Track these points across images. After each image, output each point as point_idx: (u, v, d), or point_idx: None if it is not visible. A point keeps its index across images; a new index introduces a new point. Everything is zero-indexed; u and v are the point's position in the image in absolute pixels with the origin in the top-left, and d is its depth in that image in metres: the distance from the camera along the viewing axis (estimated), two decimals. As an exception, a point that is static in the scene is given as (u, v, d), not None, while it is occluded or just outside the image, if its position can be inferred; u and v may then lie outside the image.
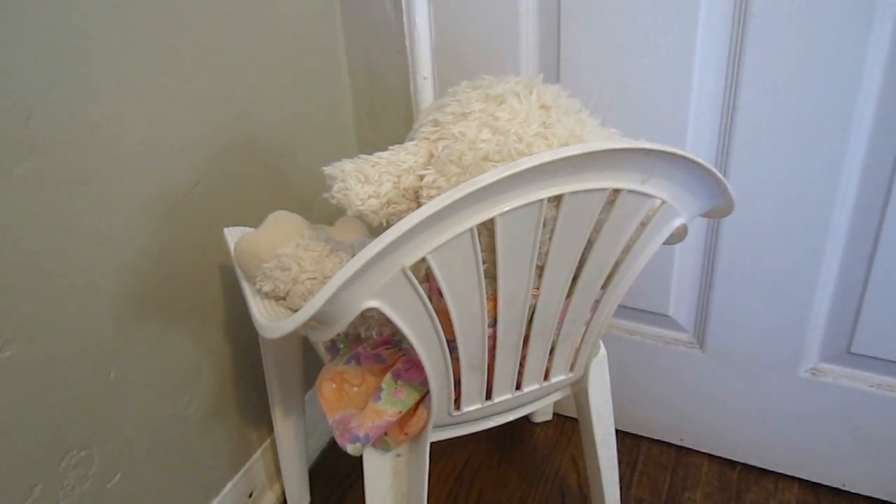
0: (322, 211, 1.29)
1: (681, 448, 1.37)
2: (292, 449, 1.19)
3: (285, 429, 1.17)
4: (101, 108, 0.84)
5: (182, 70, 0.95)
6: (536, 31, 1.14)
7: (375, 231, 0.75)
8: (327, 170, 0.73)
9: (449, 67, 1.23)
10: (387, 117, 1.31)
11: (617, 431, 1.07)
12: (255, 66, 1.09)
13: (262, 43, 1.09)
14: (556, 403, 1.43)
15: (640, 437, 1.40)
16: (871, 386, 1.15)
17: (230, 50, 1.03)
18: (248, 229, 0.99)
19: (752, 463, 1.32)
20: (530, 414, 1.40)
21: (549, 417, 1.46)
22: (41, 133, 0.77)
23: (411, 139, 0.78)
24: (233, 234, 0.99)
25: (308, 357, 1.11)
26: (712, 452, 1.35)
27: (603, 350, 1.00)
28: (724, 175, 1.08)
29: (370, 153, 0.75)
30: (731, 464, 1.33)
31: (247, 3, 1.05)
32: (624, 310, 1.29)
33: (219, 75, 1.02)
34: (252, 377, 1.19)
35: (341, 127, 1.33)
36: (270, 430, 1.24)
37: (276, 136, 1.16)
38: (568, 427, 1.43)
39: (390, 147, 0.75)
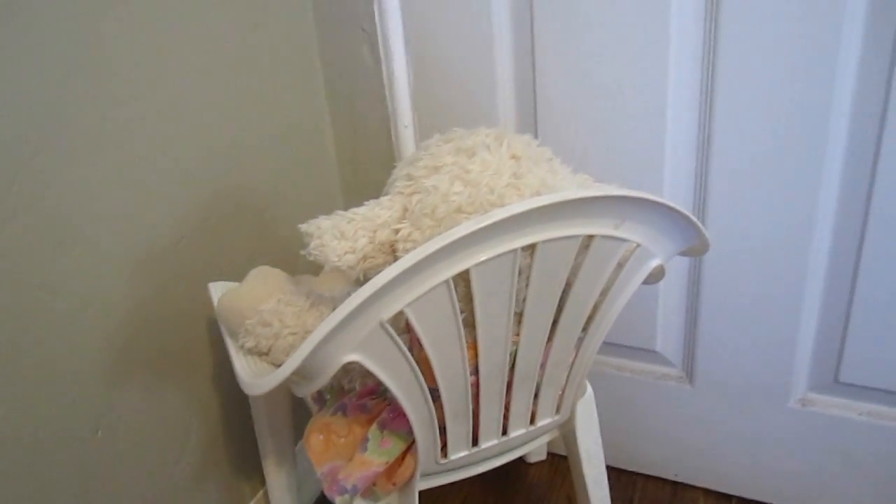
0: (308, 262, 1.29)
1: (676, 483, 1.37)
2: (285, 500, 1.18)
3: (277, 481, 1.16)
4: (83, 170, 0.85)
5: (164, 128, 0.97)
6: (512, 77, 1.17)
7: (359, 282, 0.76)
8: (304, 227, 0.74)
9: (429, 114, 1.25)
10: (370, 165, 1.33)
11: (611, 468, 1.07)
12: (237, 120, 1.11)
13: (244, 97, 1.11)
14: (550, 443, 1.43)
15: (635, 473, 1.40)
16: (861, 414, 1.16)
17: (211, 105, 1.05)
18: (233, 284, 0.99)
19: (747, 496, 1.31)
20: (525, 454, 1.39)
21: (544, 457, 1.46)
22: (25, 197, 0.79)
23: (386, 193, 0.79)
24: (217, 290, 1.00)
25: (298, 408, 1.11)
26: (707, 486, 1.35)
27: (590, 390, 1.01)
28: (703, 211, 1.10)
29: (354, 202, 0.77)
30: (727, 497, 1.33)
31: (228, 59, 1.07)
32: (612, 347, 1.30)
33: (202, 131, 1.04)
34: (242, 430, 1.19)
35: (325, 176, 1.35)
36: (262, 482, 1.23)
37: (259, 189, 1.18)
38: (563, 466, 1.43)
39: (366, 202, 0.77)
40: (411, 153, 0.82)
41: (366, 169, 1.34)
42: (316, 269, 1.24)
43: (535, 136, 1.15)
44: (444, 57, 1.19)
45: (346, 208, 0.77)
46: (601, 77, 1.08)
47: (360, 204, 0.77)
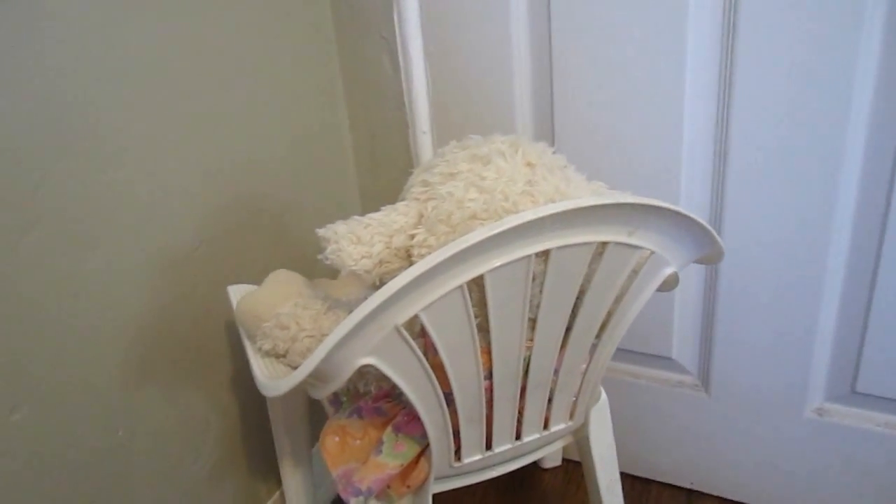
0: (326, 266, 1.31)
1: (691, 491, 1.37)
2: (301, 502, 1.20)
3: (293, 482, 1.17)
4: (107, 176, 0.87)
5: (185, 134, 0.99)
6: (530, 85, 1.18)
7: (375, 286, 0.77)
8: (321, 232, 0.76)
9: (447, 122, 1.26)
10: (388, 171, 1.34)
11: (626, 475, 1.08)
12: (257, 126, 1.13)
13: (263, 103, 1.13)
14: (564, 448, 1.43)
15: (650, 480, 1.40)
16: (878, 425, 1.15)
17: (233, 112, 1.07)
18: (251, 287, 1.01)
19: (763, 505, 1.31)
20: (539, 460, 1.40)
21: (559, 463, 1.46)
22: (49, 201, 0.81)
23: (403, 199, 0.80)
24: (236, 293, 1.01)
25: (314, 410, 1.12)
26: (722, 495, 1.34)
27: (604, 396, 1.01)
28: (720, 219, 1.10)
29: (373, 208, 0.78)
30: (743, 506, 1.32)
31: (248, 66, 1.09)
32: (627, 354, 1.30)
33: (221, 137, 1.05)
34: (259, 431, 1.20)
35: (343, 182, 1.36)
36: (279, 483, 1.24)
37: (279, 193, 1.19)
38: (577, 472, 1.43)
39: (382, 208, 0.78)
40: (428, 160, 0.83)
41: (384, 175, 1.35)
42: (334, 273, 1.25)
43: (553, 143, 1.16)
44: (463, 64, 1.20)
45: (363, 214, 0.78)
46: (619, 85, 1.09)
47: (376, 209, 0.78)
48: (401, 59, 1.23)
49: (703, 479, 1.35)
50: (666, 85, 1.05)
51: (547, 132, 1.18)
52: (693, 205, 1.12)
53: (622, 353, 1.30)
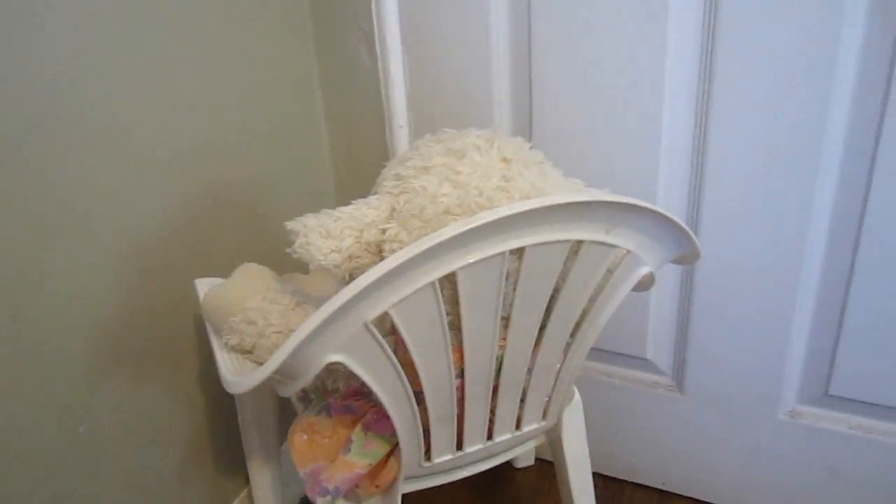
0: (298, 259, 1.29)
1: (664, 492, 1.36)
2: (269, 500, 1.17)
3: (262, 480, 1.15)
4: (74, 161, 0.84)
5: (157, 121, 0.96)
6: (509, 79, 1.16)
7: (346, 282, 0.75)
8: (290, 225, 0.74)
9: (424, 115, 1.25)
10: (364, 164, 1.32)
11: (599, 475, 1.07)
12: (232, 115, 1.10)
13: (239, 92, 1.11)
14: (537, 448, 1.42)
15: (623, 481, 1.39)
16: (850, 428, 1.15)
17: (206, 100, 1.04)
18: (219, 280, 0.99)
19: (735, 507, 1.31)
20: (512, 459, 1.38)
21: (531, 462, 1.45)
22: (9, 189, 0.78)
23: (375, 193, 0.78)
24: (203, 286, 0.99)
25: (284, 407, 1.10)
26: (696, 496, 1.34)
27: (577, 396, 1.00)
28: (697, 221, 1.09)
29: (348, 201, 0.76)
30: (715, 508, 1.32)
31: (223, 54, 1.06)
32: (602, 353, 1.29)
33: (194, 125, 1.03)
34: (227, 428, 1.18)
35: (319, 174, 1.34)
36: (246, 481, 1.22)
37: (252, 185, 1.17)
38: (550, 472, 1.42)
39: (353, 201, 0.76)
40: (401, 153, 0.81)
41: (360, 167, 1.33)
42: (306, 267, 1.23)
43: (530, 139, 1.15)
44: (441, 57, 1.18)
45: (338, 207, 0.76)
46: (597, 82, 1.08)
47: (348, 203, 0.76)
48: (378, 51, 1.21)
49: (676, 480, 1.35)
50: (646, 82, 1.05)
51: (525, 128, 1.17)
52: (670, 206, 1.11)
53: (596, 353, 1.29)
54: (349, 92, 1.27)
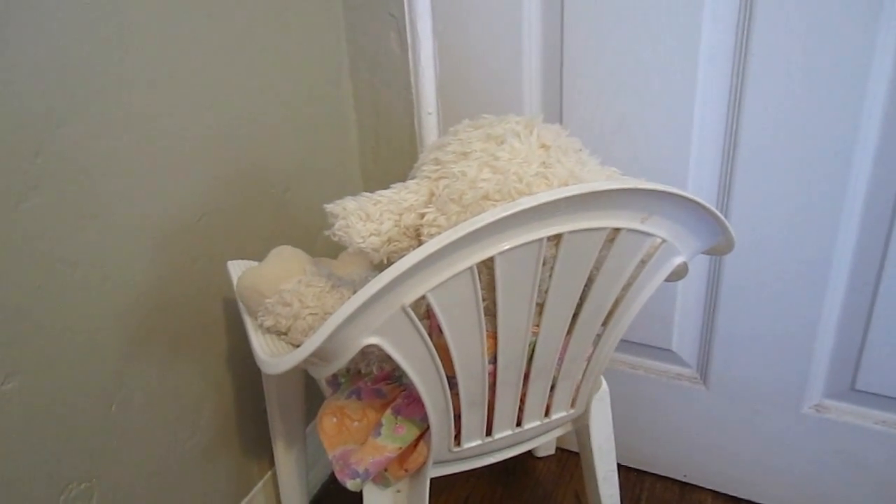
0: (326, 245, 1.29)
1: (685, 484, 1.36)
2: (293, 482, 1.19)
3: (286, 462, 1.16)
4: (108, 144, 0.85)
5: (189, 106, 0.97)
6: (539, 67, 1.16)
7: (378, 265, 0.75)
8: (329, 207, 0.74)
9: (453, 103, 1.25)
10: (391, 152, 1.32)
11: (620, 466, 1.07)
12: (262, 101, 1.10)
13: (268, 79, 1.11)
14: (559, 438, 1.42)
15: (644, 472, 1.39)
16: (876, 423, 1.15)
17: (237, 85, 1.05)
18: (251, 263, 0.99)
19: (756, 500, 1.31)
20: (533, 448, 1.39)
21: (552, 452, 1.45)
22: (49, 168, 0.79)
23: (413, 178, 0.78)
24: (236, 268, 1.00)
25: (310, 390, 1.11)
26: (716, 489, 1.34)
27: (605, 386, 1.00)
28: (726, 211, 1.09)
29: (374, 188, 0.76)
30: (735, 500, 1.32)
31: (253, 42, 1.07)
32: (627, 345, 1.29)
33: (225, 110, 1.03)
34: (253, 410, 1.19)
35: (346, 161, 1.34)
36: (272, 463, 1.23)
37: (281, 170, 1.18)
38: (571, 462, 1.42)
39: (392, 185, 0.76)
40: (439, 138, 0.81)
41: (387, 154, 1.33)
42: (333, 252, 1.23)
43: (560, 128, 1.14)
44: (472, 45, 1.18)
45: (364, 193, 0.76)
46: (629, 71, 1.07)
47: (386, 187, 0.76)
48: (409, 37, 1.21)
49: (697, 473, 1.35)
50: (678, 70, 1.04)
51: (555, 116, 1.17)
52: (700, 196, 1.11)
53: (622, 344, 1.28)
54: (378, 78, 1.28)
